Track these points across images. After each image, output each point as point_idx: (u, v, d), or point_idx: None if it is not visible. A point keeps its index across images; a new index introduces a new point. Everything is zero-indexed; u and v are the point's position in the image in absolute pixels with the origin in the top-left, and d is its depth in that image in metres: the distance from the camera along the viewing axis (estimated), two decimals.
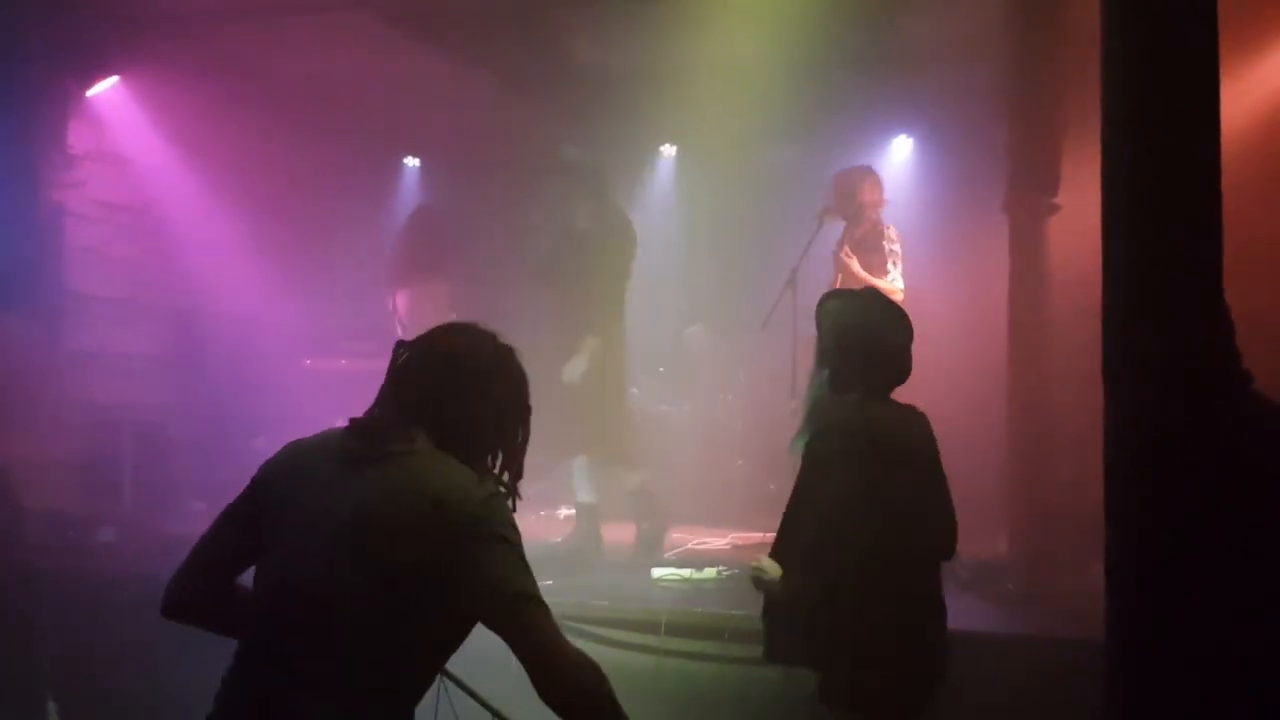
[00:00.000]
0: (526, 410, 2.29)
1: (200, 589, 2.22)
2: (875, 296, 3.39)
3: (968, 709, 3.60)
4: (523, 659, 2.01)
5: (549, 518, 7.03)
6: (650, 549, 5.63)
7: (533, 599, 2.04)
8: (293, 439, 2.26)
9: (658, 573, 5.13)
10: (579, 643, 4.34)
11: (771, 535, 5.67)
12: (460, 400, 2.20)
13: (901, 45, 6.36)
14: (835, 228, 6.23)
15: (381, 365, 2.29)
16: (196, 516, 5.11)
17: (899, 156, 7.56)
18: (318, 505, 2.09)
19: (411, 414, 2.17)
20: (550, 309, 5.87)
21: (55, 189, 6.34)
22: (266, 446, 2.35)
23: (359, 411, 2.23)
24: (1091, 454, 2.45)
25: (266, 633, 2.08)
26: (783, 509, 3.21)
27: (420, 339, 2.28)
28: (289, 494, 2.14)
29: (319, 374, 7.43)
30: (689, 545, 5.98)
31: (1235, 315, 2.25)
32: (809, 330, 6.07)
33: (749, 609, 4.47)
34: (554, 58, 6.98)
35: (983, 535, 4.95)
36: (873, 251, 5.79)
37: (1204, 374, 1.94)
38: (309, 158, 7.63)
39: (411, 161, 8.81)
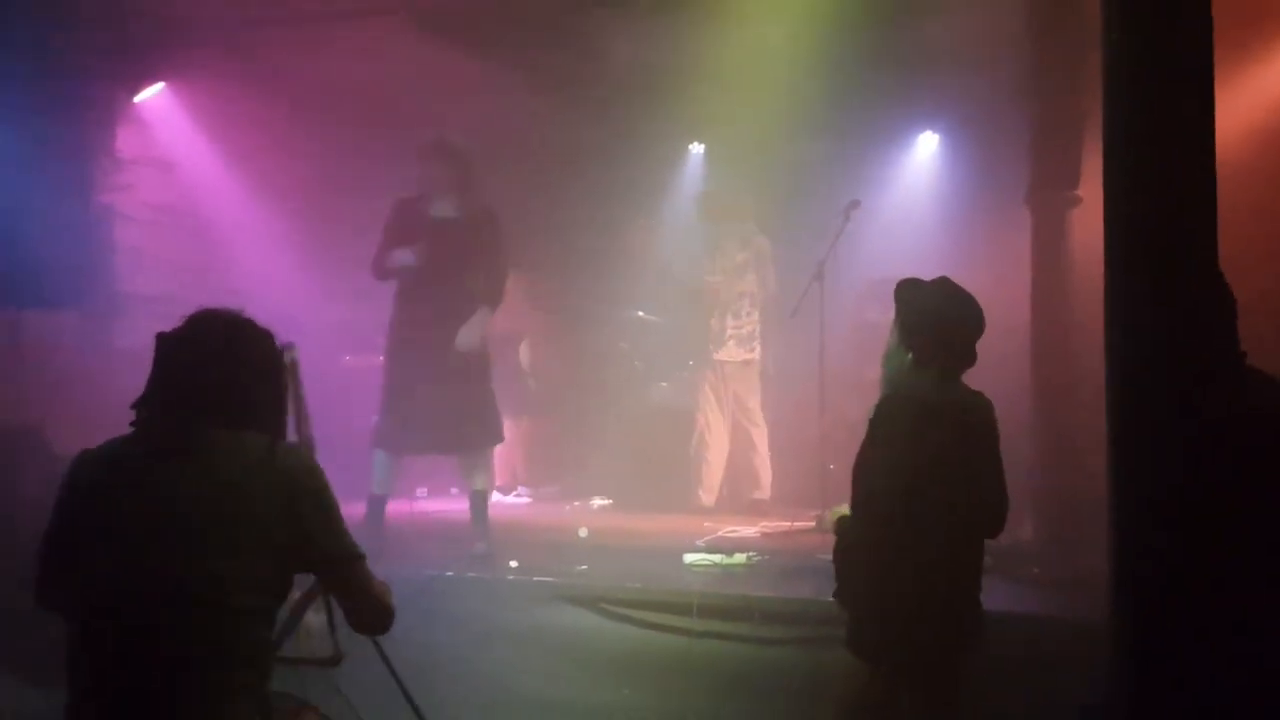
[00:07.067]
0: (282, 365, 2.48)
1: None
2: (948, 284, 3.56)
3: (996, 685, 3.72)
4: (351, 605, 2.38)
5: (582, 508, 7.22)
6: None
7: (361, 557, 2.34)
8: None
9: (690, 558, 5.26)
10: (612, 624, 4.46)
11: (799, 524, 5.81)
12: (235, 379, 2.36)
13: (925, 42, 6.45)
14: (860, 221, 6.34)
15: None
16: None
17: (925, 152, 7.64)
18: (136, 505, 2.19)
19: (194, 404, 2.32)
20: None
21: (105, 191, 6.56)
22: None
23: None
24: None
25: (113, 634, 2.13)
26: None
27: (180, 330, 2.42)
28: (97, 503, 2.23)
29: (356, 371, 7.61)
30: (720, 533, 6.11)
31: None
32: (836, 320, 6.25)
33: (779, 592, 4.62)
34: (584, 56, 7.10)
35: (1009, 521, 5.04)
36: None
37: (1202, 351, 2.05)
38: (347, 161, 7.79)
39: None
